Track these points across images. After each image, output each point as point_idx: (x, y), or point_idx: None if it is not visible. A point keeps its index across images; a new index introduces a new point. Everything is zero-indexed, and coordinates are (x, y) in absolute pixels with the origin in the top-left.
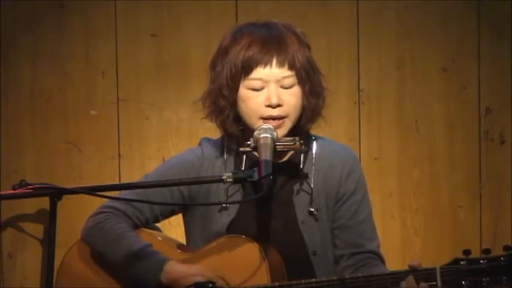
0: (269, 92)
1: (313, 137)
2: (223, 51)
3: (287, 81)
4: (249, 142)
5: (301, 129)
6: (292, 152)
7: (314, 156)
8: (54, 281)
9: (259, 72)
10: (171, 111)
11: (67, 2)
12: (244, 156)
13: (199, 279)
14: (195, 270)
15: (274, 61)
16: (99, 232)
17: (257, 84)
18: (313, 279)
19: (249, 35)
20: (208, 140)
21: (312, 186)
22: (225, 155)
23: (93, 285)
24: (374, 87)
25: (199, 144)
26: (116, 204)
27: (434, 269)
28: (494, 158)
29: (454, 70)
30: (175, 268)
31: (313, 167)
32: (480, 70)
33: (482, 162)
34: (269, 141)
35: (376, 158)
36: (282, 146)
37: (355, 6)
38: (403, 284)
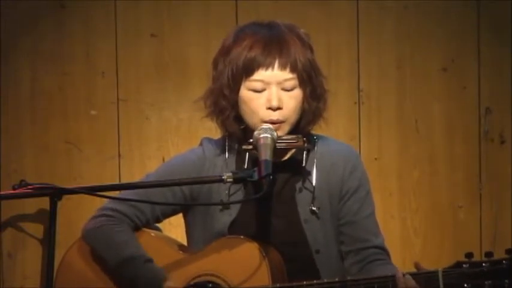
0: (270, 95)
1: (314, 136)
2: (225, 51)
3: (288, 84)
4: (251, 140)
5: (301, 131)
6: (294, 150)
7: (316, 154)
8: (54, 281)
9: (261, 74)
10: (171, 111)
11: (67, 2)
12: (247, 155)
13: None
14: None
15: (276, 64)
16: (100, 236)
17: (258, 85)
18: (315, 281)
19: (251, 36)
20: (209, 139)
21: (314, 184)
22: (227, 155)
23: (94, 283)
24: (374, 87)
25: (200, 144)
26: (117, 205)
27: (437, 272)
28: (494, 158)
29: (454, 70)
30: None
31: (315, 166)
32: (480, 70)
33: (482, 162)
34: (269, 141)
35: (376, 158)
36: (285, 144)
37: (355, 6)
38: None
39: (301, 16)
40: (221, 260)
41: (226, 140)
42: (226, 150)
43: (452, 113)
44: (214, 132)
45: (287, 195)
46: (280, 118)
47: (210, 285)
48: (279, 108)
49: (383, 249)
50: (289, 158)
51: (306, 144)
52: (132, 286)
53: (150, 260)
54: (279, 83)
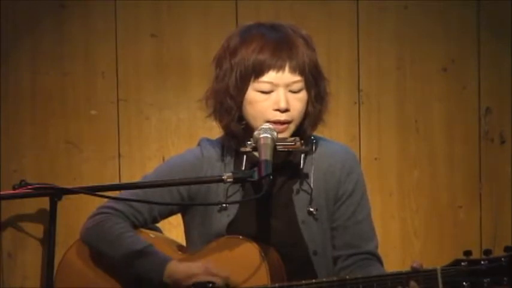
0: (278, 96)
1: (312, 137)
2: (231, 51)
3: (296, 86)
4: (249, 142)
5: (303, 134)
6: (291, 152)
7: (314, 156)
8: (54, 281)
9: (271, 76)
10: (171, 111)
11: (67, 2)
12: (245, 157)
13: (202, 279)
14: (198, 270)
15: (287, 66)
16: (98, 232)
17: (266, 87)
18: (314, 280)
19: (259, 37)
20: (208, 140)
21: (311, 186)
22: (225, 155)
23: (93, 283)
24: (374, 87)
25: (199, 144)
26: (115, 204)
27: (435, 270)
28: (494, 158)
29: (454, 70)
30: (177, 268)
31: (313, 167)
32: (480, 70)
33: (482, 162)
34: (269, 141)
35: (376, 158)
36: (282, 147)
37: (355, 6)
38: None
39: (301, 16)
40: (221, 260)
41: (225, 141)
42: (225, 151)
43: (452, 113)
44: (215, 132)
45: (285, 197)
46: (288, 118)
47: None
48: (286, 110)
49: (373, 255)
50: (287, 160)
51: (303, 147)
52: (134, 274)
53: (151, 245)
54: (287, 85)
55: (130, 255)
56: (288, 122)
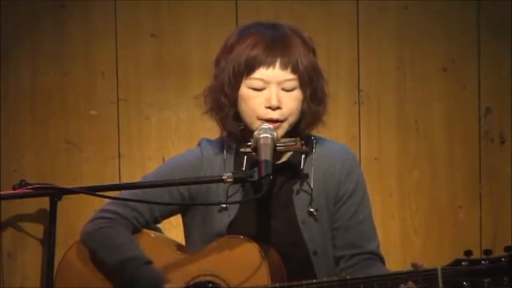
0: (270, 94)
1: (312, 138)
2: (228, 49)
3: (288, 84)
4: (249, 143)
5: (300, 133)
6: (291, 152)
7: (314, 156)
8: (54, 281)
9: (262, 73)
10: (171, 111)
11: (67, 2)
12: (245, 157)
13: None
14: None
15: (278, 63)
16: (98, 238)
17: (258, 84)
18: (314, 280)
19: (255, 35)
20: (208, 140)
21: (311, 186)
22: (225, 155)
23: (93, 283)
24: (374, 87)
25: (199, 144)
26: (115, 207)
27: (436, 269)
28: (494, 158)
29: (454, 70)
30: None
31: (313, 167)
32: (480, 70)
33: (482, 162)
34: (269, 141)
35: (376, 158)
36: (283, 147)
37: (355, 6)
38: (401, 286)
39: (301, 16)
40: (221, 260)
41: (225, 141)
42: (225, 150)
43: (452, 113)
44: (215, 132)
45: (285, 197)
46: (280, 118)
47: (210, 285)
48: (278, 108)
49: (376, 255)
50: (287, 160)
51: (304, 147)
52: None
53: (149, 262)
54: (279, 83)
55: (127, 270)
56: (280, 121)
